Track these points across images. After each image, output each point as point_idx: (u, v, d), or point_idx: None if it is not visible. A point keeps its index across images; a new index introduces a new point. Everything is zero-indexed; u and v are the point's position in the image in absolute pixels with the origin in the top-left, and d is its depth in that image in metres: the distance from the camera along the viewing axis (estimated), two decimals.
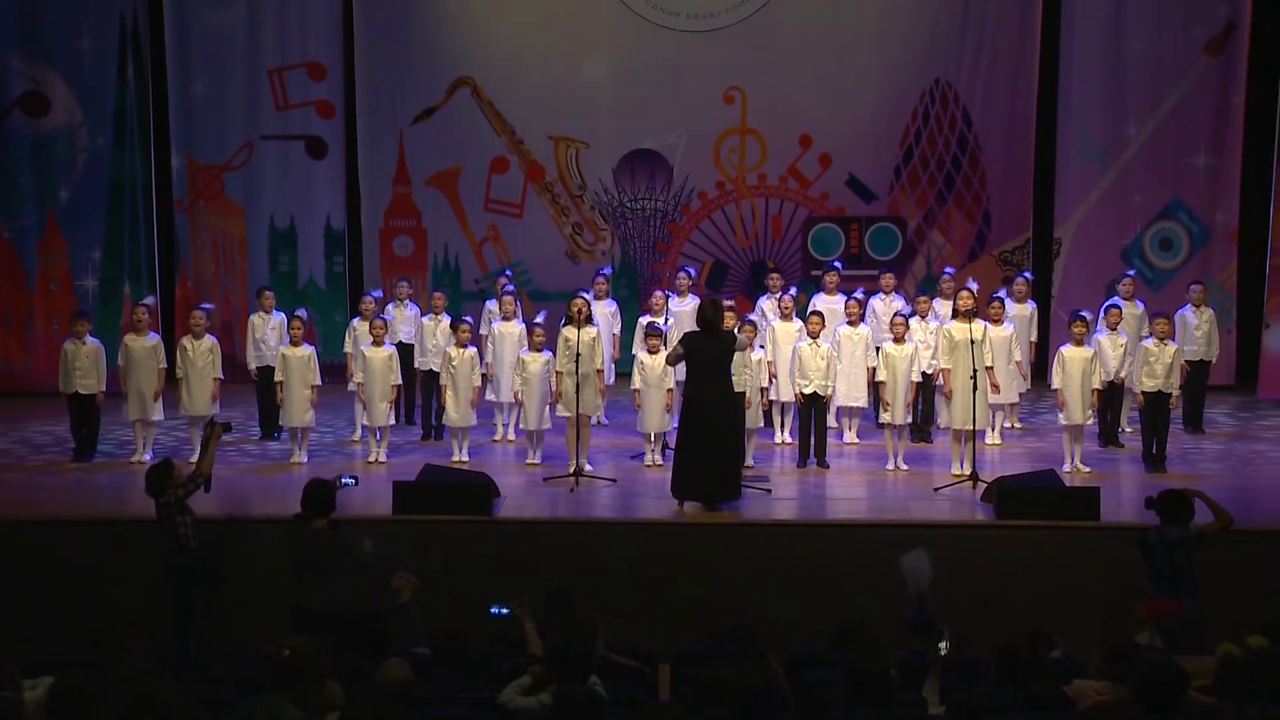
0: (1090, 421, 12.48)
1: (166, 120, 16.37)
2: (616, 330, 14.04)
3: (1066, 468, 12.06)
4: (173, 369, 12.73)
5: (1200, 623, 8.16)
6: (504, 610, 7.71)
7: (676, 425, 11.29)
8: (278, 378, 12.57)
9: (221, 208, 16.54)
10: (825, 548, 10.33)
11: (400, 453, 12.82)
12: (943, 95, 16.37)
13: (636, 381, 12.32)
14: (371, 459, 12.46)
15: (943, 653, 6.98)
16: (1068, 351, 12.32)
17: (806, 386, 12.41)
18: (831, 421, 13.13)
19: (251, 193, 16.53)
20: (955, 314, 12.39)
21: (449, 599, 9.42)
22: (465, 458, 12.49)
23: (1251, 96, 15.88)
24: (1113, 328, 12.91)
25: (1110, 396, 12.90)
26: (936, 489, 11.46)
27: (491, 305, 13.81)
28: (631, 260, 16.83)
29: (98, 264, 16.21)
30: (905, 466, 12.28)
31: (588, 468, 11.86)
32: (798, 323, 12.96)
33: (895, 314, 12.92)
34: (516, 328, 13.06)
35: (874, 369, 12.63)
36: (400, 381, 12.71)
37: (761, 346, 12.68)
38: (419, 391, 13.66)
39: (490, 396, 13.17)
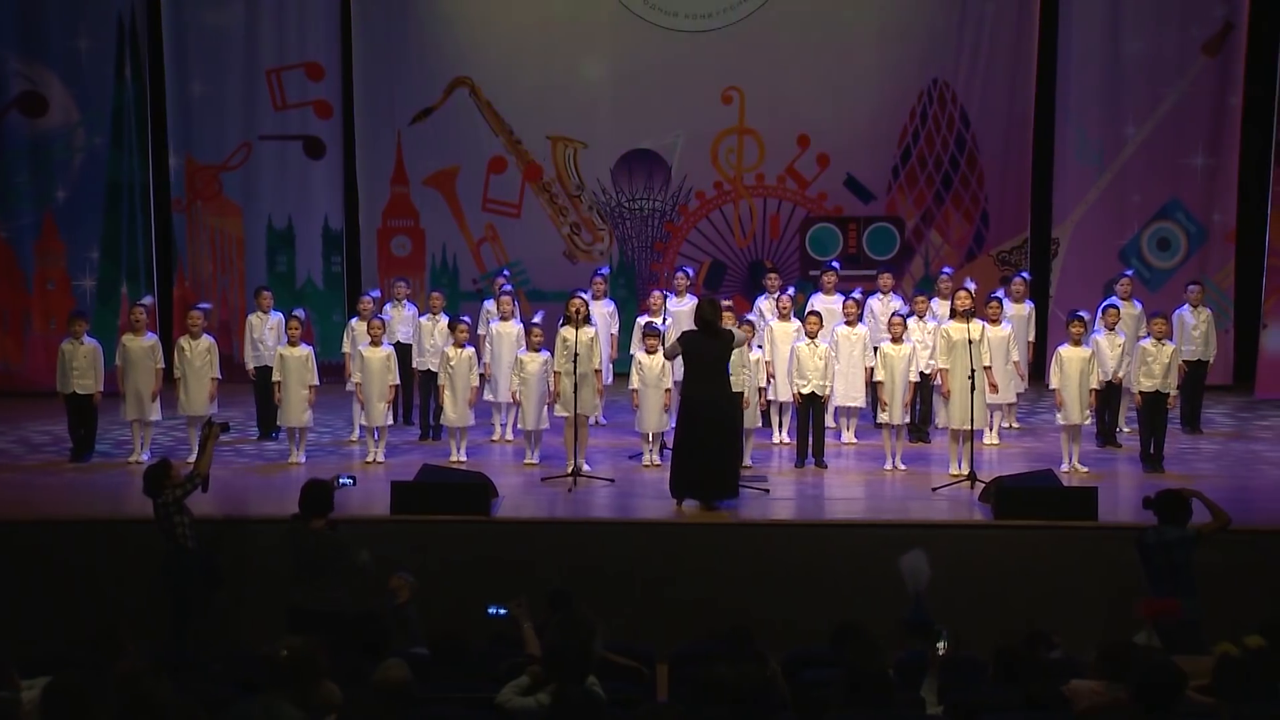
0: (1088, 421, 12.49)
1: (164, 120, 16.36)
2: (614, 330, 14.03)
3: (1064, 468, 12.07)
4: (170, 369, 12.73)
5: (1198, 623, 8.17)
6: (501, 611, 7.71)
7: (674, 425, 11.28)
8: (275, 378, 12.57)
9: (219, 208, 16.53)
10: (823, 548, 10.33)
11: (398, 453, 12.81)
12: (941, 95, 16.37)
13: (635, 381, 12.33)
14: (369, 459, 12.46)
15: (941, 653, 6.98)
16: (1066, 351, 12.33)
17: (804, 386, 12.41)
18: (829, 421, 13.14)
19: (249, 193, 16.51)
20: (953, 314, 12.40)
21: (447, 599, 9.42)
22: (463, 458, 12.49)
23: (1249, 96, 15.88)
24: (1110, 328, 12.92)
25: (1108, 396, 12.91)
26: (934, 489, 11.47)
27: (489, 305, 13.81)
28: (629, 260, 16.83)
29: (95, 264, 16.19)
30: (903, 466, 12.28)
31: (586, 468, 11.86)
32: (796, 323, 12.96)
33: (893, 314, 12.93)
34: (514, 328, 13.06)
35: (872, 369, 12.63)
36: (398, 381, 12.71)
37: (760, 346, 12.68)
38: (417, 391, 13.65)
39: (488, 396, 13.17)
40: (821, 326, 12.65)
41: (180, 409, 12.70)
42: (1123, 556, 9.09)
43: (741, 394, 11.76)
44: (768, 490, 11.43)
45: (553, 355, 12.27)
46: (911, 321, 13.01)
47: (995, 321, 12.70)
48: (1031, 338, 14.05)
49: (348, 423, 13.64)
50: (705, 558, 10.34)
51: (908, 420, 12.79)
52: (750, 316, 13.23)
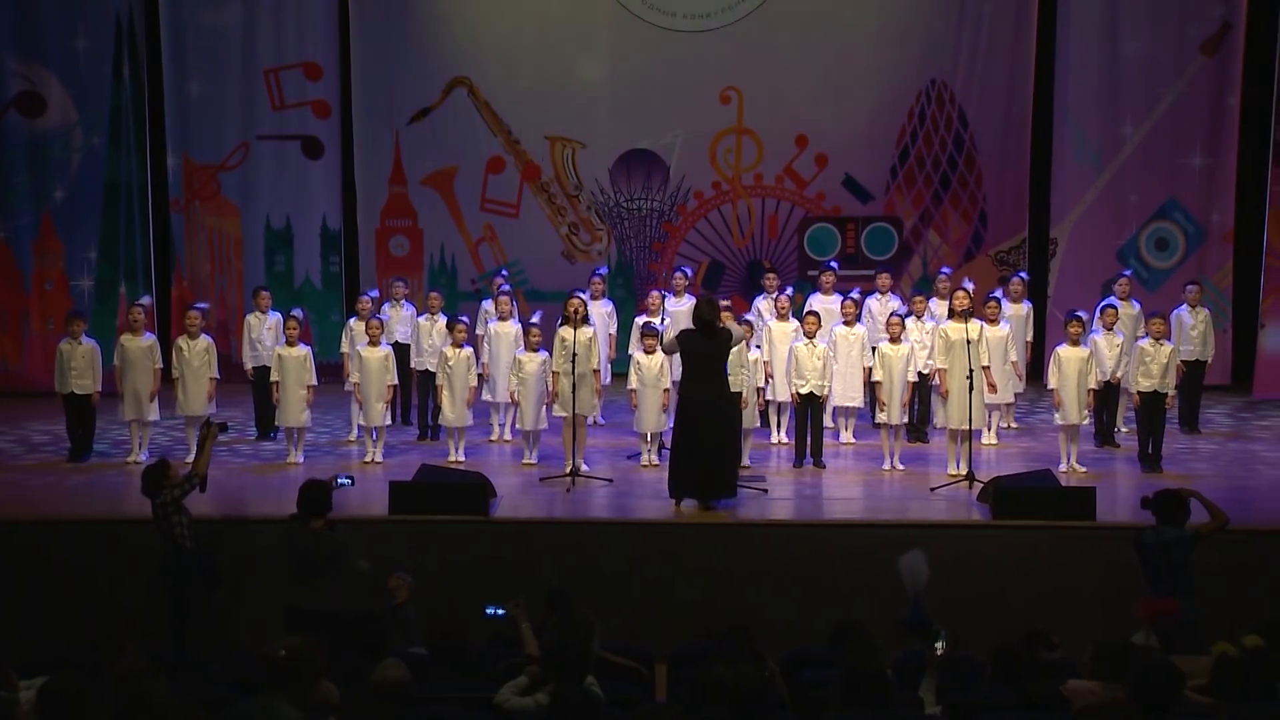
0: (1086, 421, 12.49)
1: (162, 120, 16.35)
2: (613, 330, 14.03)
3: (1063, 468, 12.08)
4: (169, 369, 12.72)
5: (1196, 623, 8.17)
6: (500, 611, 7.71)
7: (672, 425, 11.28)
8: (273, 378, 12.57)
9: (217, 208, 16.52)
10: (821, 548, 10.34)
11: (396, 453, 12.81)
12: (939, 95, 16.38)
13: (633, 381, 12.33)
14: (368, 459, 12.46)
15: (939, 653, 6.99)
16: (1064, 352, 12.34)
17: (803, 386, 12.42)
18: (828, 421, 13.15)
19: (247, 193, 16.51)
20: (951, 314, 12.40)
21: (445, 599, 9.42)
22: (462, 458, 12.49)
23: (1247, 97, 15.88)
24: (1109, 328, 12.93)
25: (1106, 397, 12.91)
26: (933, 489, 11.47)
27: (488, 305, 13.81)
28: (628, 260, 16.83)
29: (93, 264, 16.18)
30: (901, 466, 12.29)
31: (584, 468, 11.86)
32: (794, 323, 12.97)
33: (891, 314, 12.93)
34: (513, 328, 13.07)
35: (870, 369, 12.63)
36: (396, 381, 12.72)
37: (758, 346, 12.68)
38: (415, 391, 13.66)
39: (486, 396, 13.17)
40: (820, 326, 12.65)
41: (178, 409, 12.69)
42: (1121, 556, 9.10)
43: (740, 394, 11.76)
44: (766, 490, 11.43)
45: (551, 355, 12.27)
46: (910, 321, 13.02)
47: (993, 321, 12.71)
48: (1030, 338, 14.05)
49: (346, 423, 13.65)
50: (704, 558, 10.34)
51: (906, 420, 12.79)
52: (748, 316, 13.24)
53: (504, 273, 15.09)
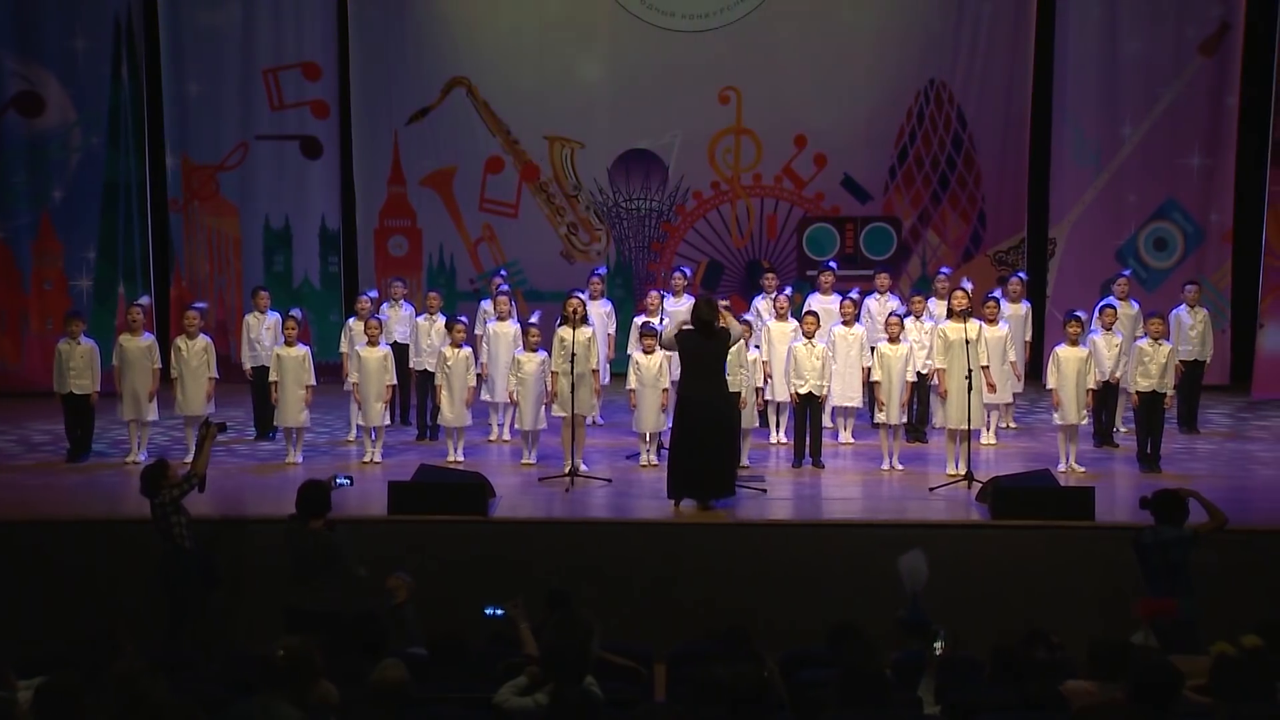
0: (1085, 422, 12.49)
1: (161, 120, 16.35)
2: (611, 330, 14.03)
3: (1061, 468, 12.08)
4: (167, 369, 12.71)
5: (1195, 622, 8.17)
6: (498, 611, 7.71)
7: (671, 425, 11.28)
8: (272, 378, 12.57)
9: (216, 208, 16.52)
10: (820, 548, 10.34)
11: (395, 453, 12.81)
12: (937, 95, 16.38)
13: (632, 381, 12.33)
14: (367, 459, 12.46)
15: (938, 652, 6.99)
16: (1063, 352, 12.34)
17: (802, 386, 12.42)
18: (827, 421, 13.15)
19: (246, 193, 16.51)
20: (950, 314, 12.39)
21: (444, 599, 9.41)
22: (460, 458, 12.49)
23: (1246, 97, 15.89)
24: (1108, 328, 12.93)
25: (1105, 397, 12.92)
26: (932, 489, 11.47)
27: (486, 305, 13.81)
28: (626, 260, 16.83)
29: (92, 264, 16.18)
30: (900, 466, 12.29)
31: (583, 468, 11.86)
32: (793, 323, 12.97)
33: (890, 314, 12.93)
34: (511, 328, 13.07)
35: (869, 369, 12.63)
36: (395, 381, 12.71)
37: (757, 346, 12.68)
38: (414, 391, 13.66)
39: (485, 397, 13.16)
40: (819, 326, 12.65)
41: (177, 409, 12.69)
42: (1120, 556, 9.10)
43: (738, 394, 11.76)
44: (765, 490, 11.43)
45: (550, 355, 12.27)
46: (908, 321, 13.02)
47: (992, 321, 12.71)
48: (1028, 338, 14.05)
49: (345, 423, 13.64)
50: (703, 558, 10.34)
51: (905, 420, 12.79)
52: (747, 316, 13.23)
53: (503, 273, 15.09)
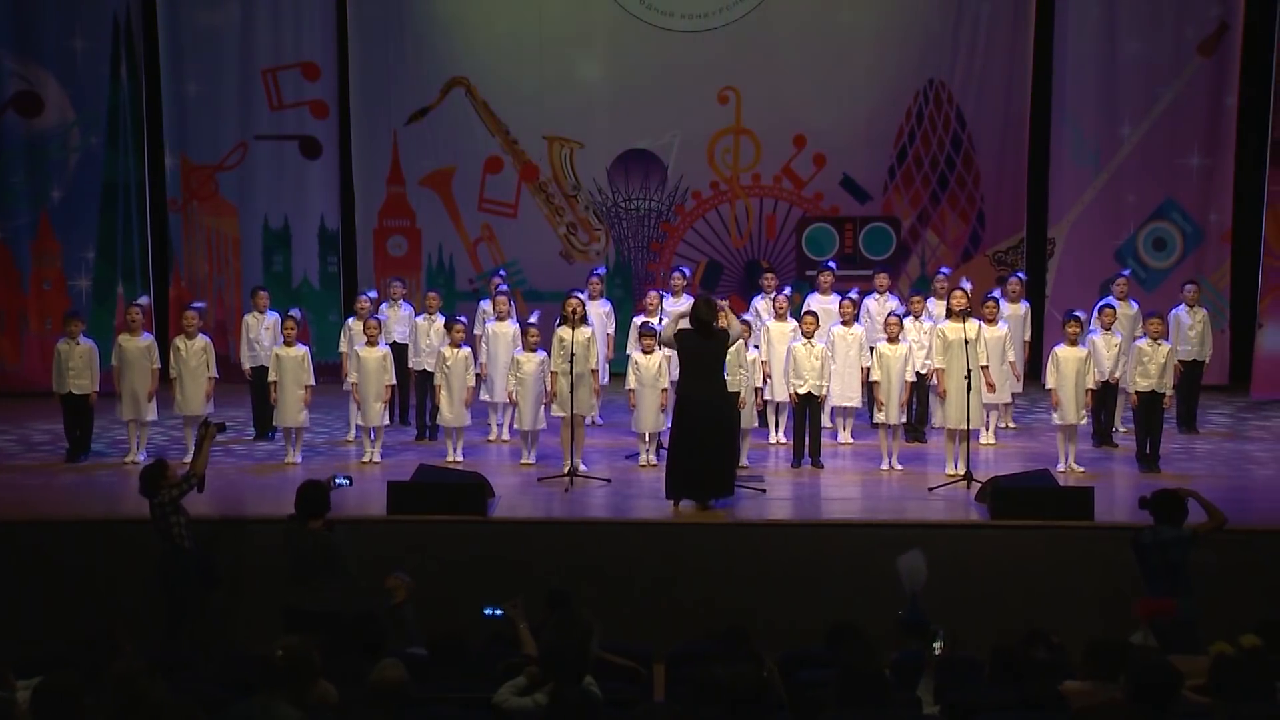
0: (1084, 421, 12.49)
1: (160, 120, 16.35)
2: (610, 330, 14.03)
3: (1060, 468, 12.08)
4: (166, 369, 12.71)
5: (1194, 622, 8.17)
6: (497, 612, 7.71)
7: (670, 425, 11.28)
8: (271, 378, 12.56)
9: (215, 208, 16.52)
10: (820, 548, 10.34)
11: (394, 453, 12.81)
12: (937, 95, 16.38)
13: (631, 381, 12.33)
14: (366, 459, 12.46)
15: (937, 652, 6.99)
16: (1062, 352, 12.34)
17: (801, 386, 12.42)
18: (826, 421, 13.14)
19: (245, 193, 16.51)
20: (949, 314, 12.39)
21: (444, 599, 9.41)
22: (460, 458, 12.49)
23: (1244, 97, 15.89)
24: (1107, 328, 12.93)
25: (1104, 397, 12.92)
26: (931, 489, 11.47)
27: (486, 305, 13.81)
28: (626, 260, 16.83)
29: (91, 264, 16.17)
30: (900, 466, 12.29)
31: (582, 468, 11.86)
32: (792, 323, 12.97)
33: (889, 314, 12.93)
34: (510, 328, 13.06)
35: (868, 369, 12.63)
36: (394, 381, 12.71)
37: (756, 346, 12.69)
38: (413, 391, 13.66)
39: (485, 397, 13.16)
40: (818, 326, 12.65)
41: (176, 409, 12.69)
42: (1119, 556, 9.10)
43: (738, 394, 11.76)
44: (764, 490, 11.43)
45: (549, 355, 12.27)
46: (907, 321, 13.02)
47: (991, 321, 12.71)
48: (1027, 338, 14.05)
49: (344, 423, 13.64)
50: (702, 558, 10.34)
51: (904, 420, 12.79)
52: (747, 316, 13.23)
53: (502, 273, 15.08)
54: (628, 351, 13.06)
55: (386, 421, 12.67)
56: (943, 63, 16.35)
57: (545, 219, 16.76)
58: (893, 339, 12.53)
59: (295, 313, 13.18)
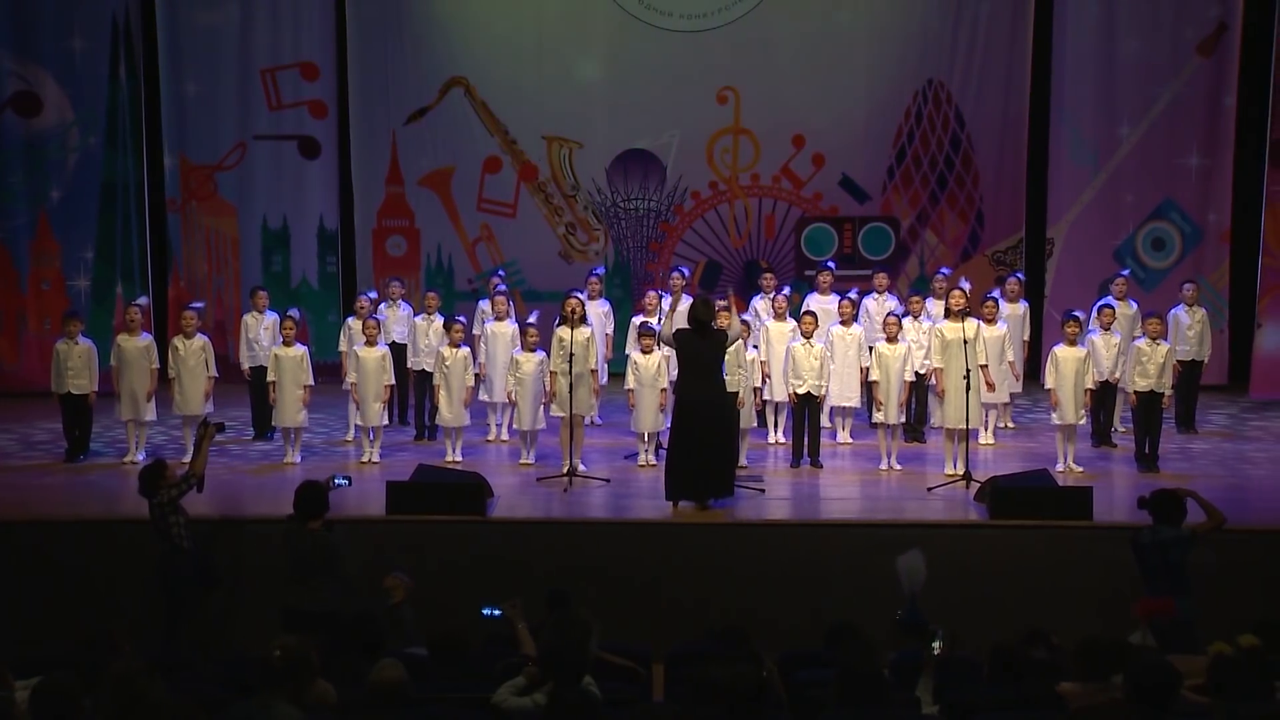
0: (1083, 421, 12.49)
1: (159, 120, 16.35)
2: (609, 330, 14.03)
3: (1059, 467, 12.08)
4: (165, 369, 12.71)
5: (1193, 622, 8.17)
6: (496, 612, 7.71)
7: (669, 425, 11.28)
8: (270, 378, 12.56)
9: (214, 208, 16.52)
10: (819, 548, 10.34)
11: (393, 453, 12.80)
12: (935, 96, 16.39)
13: (630, 381, 12.33)
14: (365, 459, 12.46)
15: (936, 652, 6.99)
16: (1061, 351, 12.34)
17: (800, 386, 12.42)
18: (825, 421, 13.14)
19: (244, 193, 16.51)
20: (948, 314, 12.40)
21: (443, 599, 9.41)
22: (459, 458, 12.48)
23: (1243, 97, 15.90)
24: (1106, 328, 12.93)
25: (1103, 396, 12.92)
26: (930, 489, 11.47)
27: (484, 305, 13.81)
28: (625, 260, 16.83)
29: (90, 264, 16.17)
30: (899, 466, 12.29)
31: (581, 468, 11.86)
32: (791, 323, 12.97)
33: (888, 314, 12.93)
34: (509, 328, 13.07)
35: (867, 369, 12.63)
36: (394, 381, 12.71)
37: (755, 346, 12.69)
38: (412, 391, 13.65)
39: (484, 397, 13.16)
40: (817, 326, 12.65)
41: (175, 409, 12.69)
42: (1118, 556, 9.10)
43: (737, 394, 11.76)
44: (763, 490, 11.43)
45: (548, 355, 12.27)
46: (906, 321, 13.02)
47: (991, 321, 12.71)
48: (1026, 337, 14.06)
49: (343, 423, 13.64)
50: (701, 558, 10.34)
51: (903, 420, 12.79)
52: (746, 316, 13.22)
53: (501, 273, 15.08)
54: (627, 351, 13.06)
55: (385, 421, 12.67)
56: (941, 63, 16.36)
57: (544, 219, 16.76)
58: (892, 339, 12.53)
59: (294, 313, 13.18)
